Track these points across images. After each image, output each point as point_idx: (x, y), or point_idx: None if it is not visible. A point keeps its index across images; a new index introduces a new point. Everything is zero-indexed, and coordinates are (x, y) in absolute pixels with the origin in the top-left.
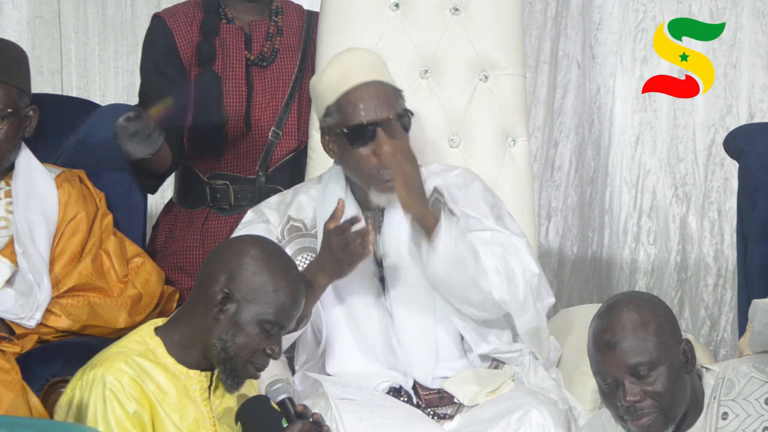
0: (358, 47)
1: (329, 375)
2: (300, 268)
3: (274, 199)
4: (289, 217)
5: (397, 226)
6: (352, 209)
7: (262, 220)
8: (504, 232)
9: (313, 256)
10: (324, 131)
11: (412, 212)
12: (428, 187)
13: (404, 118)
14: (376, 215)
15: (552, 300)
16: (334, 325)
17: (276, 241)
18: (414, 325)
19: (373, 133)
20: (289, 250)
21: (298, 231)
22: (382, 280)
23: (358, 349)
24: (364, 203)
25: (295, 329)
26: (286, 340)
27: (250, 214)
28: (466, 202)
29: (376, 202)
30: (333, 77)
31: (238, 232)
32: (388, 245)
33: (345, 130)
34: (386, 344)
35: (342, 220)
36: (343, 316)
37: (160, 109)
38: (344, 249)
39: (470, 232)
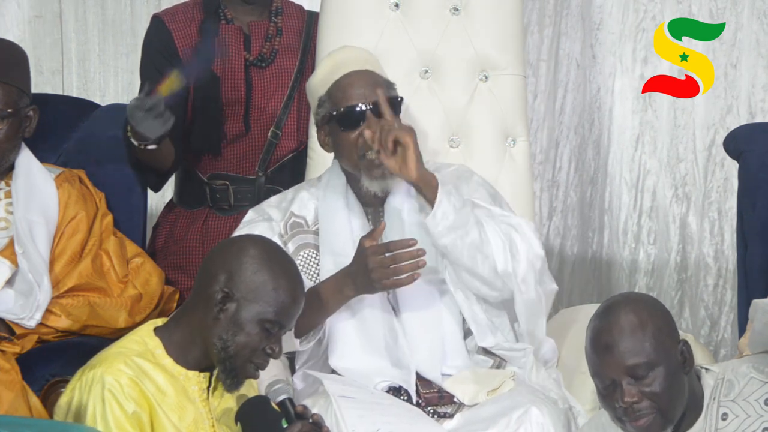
0: (350, 45)
1: (331, 371)
2: (300, 264)
3: (274, 199)
4: (291, 213)
5: (398, 219)
6: (353, 207)
7: (263, 219)
8: (513, 216)
9: (315, 252)
10: (318, 125)
11: (411, 177)
12: None
13: (394, 102)
14: (376, 211)
15: (554, 287)
16: (337, 319)
17: (279, 237)
18: (420, 318)
19: (363, 115)
20: (291, 246)
21: (299, 227)
22: None
23: (360, 343)
24: (364, 200)
25: (308, 340)
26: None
27: (251, 214)
28: (470, 192)
29: (369, 188)
30: (325, 71)
31: (239, 232)
32: (390, 238)
33: (335, 113)
34: (390, 338)
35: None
36: (346, 310)
37: (170, 84)
38: (384, 270)
39: (476, 207)
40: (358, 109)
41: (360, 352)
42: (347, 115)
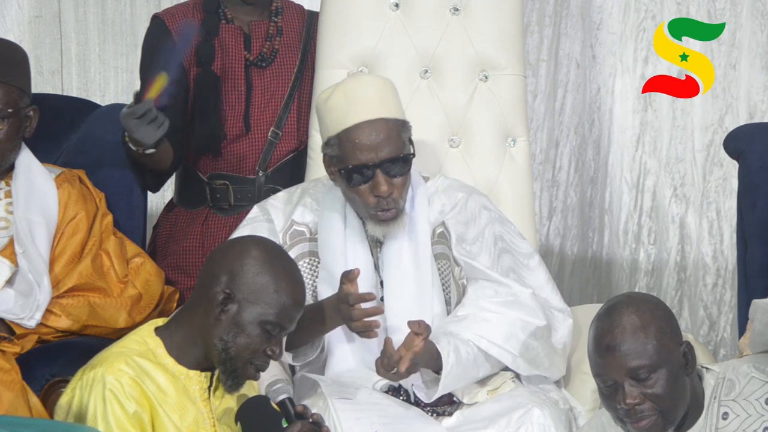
0: (366, 75)
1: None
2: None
3: (281, 198)
4: (293, 221)
5: (396, 245)
6: (351, 224)
7: (266, 219)
8: (507, 285)
9: (315, 261)
10: (324, 157)
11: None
12: (435, 209)
13: (405, 156)
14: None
15: (570, 321)
16: (335, 334)
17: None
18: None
19: (372, 173)
20: (291, 255)
21: (301, 235)
22: (382, 285)
23: (356, 360)
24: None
25: (305, 358)
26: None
27: (255, 210)
28: (473, 239)
29: (372, 233)
30: (337, 106)
31: (242, 227)
32: (387, 263)
33: (342, 171)
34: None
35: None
36: (344, 329)
37: (157, 87)
38: (349, 319)
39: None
40: (366, 167)
41: (355, 367)
42: (356, 172)
